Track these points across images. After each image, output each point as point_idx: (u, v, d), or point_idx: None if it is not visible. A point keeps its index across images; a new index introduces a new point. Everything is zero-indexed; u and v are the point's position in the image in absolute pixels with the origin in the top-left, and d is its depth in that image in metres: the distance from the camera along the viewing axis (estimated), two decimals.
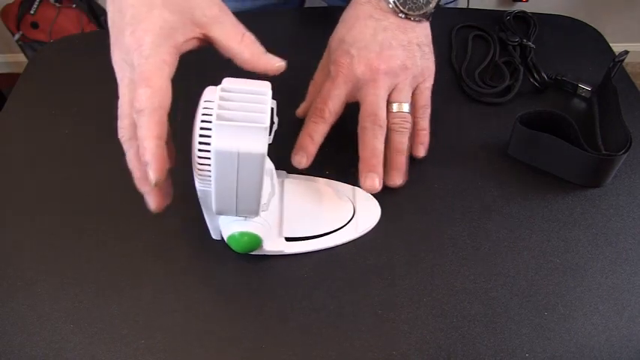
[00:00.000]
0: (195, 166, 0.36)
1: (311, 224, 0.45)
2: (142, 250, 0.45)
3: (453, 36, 0.63)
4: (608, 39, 0.63)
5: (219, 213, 0.39)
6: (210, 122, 0.33)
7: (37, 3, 1.50)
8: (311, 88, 0.52)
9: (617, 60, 0.52)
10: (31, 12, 1.50)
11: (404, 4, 0.48)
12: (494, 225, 0.46)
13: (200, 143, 0.34)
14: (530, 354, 0.39)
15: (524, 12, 0.64)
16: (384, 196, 0.48)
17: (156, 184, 0.35)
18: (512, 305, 0.41)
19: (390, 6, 0.48)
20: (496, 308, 0.41)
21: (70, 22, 1.51)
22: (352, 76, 0.47)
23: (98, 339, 0.40)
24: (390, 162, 0.47)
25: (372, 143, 0.46)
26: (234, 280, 0.43)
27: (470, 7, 0.72)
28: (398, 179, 0.47)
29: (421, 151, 0.49)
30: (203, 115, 0.34)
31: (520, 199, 0.48)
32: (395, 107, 0.48)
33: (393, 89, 0.48)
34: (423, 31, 0.50)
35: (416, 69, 0.49)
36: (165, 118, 0.35)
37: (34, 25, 1.51)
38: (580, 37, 0.63)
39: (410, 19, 0.48)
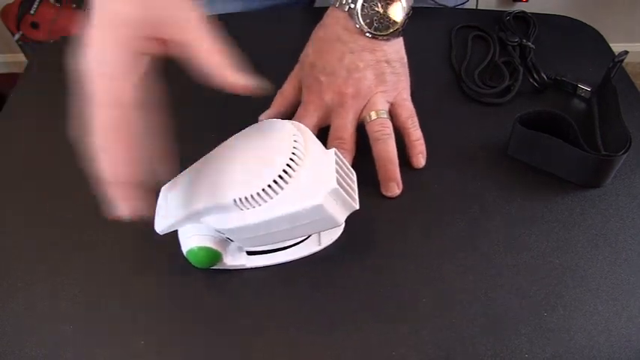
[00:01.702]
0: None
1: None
2: (142, 250, 0.45)
3: (452, 36, 0.63)
4: (608, 39, 0.63)
5: (225, 232, 0.39)
6: (296, 164, 0.36)
7: (37, 3, 1.50)
8: (278, 98, 0.52)
9: (616, 60, 0.52)
10: (31, 12, 1.50)
11: (370, 25, 0.48)
12: (493, 225, 0.46)
13: (279, 177, 0.36)
14: (529, 354, 0.39)
15: (523, 12, 0.64)
16: (383, 195, 0.48)
17: None
18: (512, 305, 0.41)
19: (357, 26, 0.48)
20: (495, 308, 0.41)
21: (70, 22, 1.51)
22: (322, 103, 0.49)
23: (98, 339, 0.40)
24: (381, 173, 0.48)
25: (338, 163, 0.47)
26: (235, 280, 0.43)
27: (473, 7, 0.71)
28: (395, 189, 0.48)
29: (421, 161, 0.50)
30: (292, 154, 0.37)
31: (520, 199, 0.48)
32: (373, 115, 0.48)
33: (364, 107, 0.49)
34: (392, 48, 0.50)
35: (386, 85, 0.49)
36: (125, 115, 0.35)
37: (34, 25, 1.51)
38: (580, 38, 0.63)
39: (377, 38, 0.49)
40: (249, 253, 0.44)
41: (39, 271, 0.44)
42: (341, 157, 0.39)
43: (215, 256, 0.41)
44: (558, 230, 0.45)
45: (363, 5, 0.48)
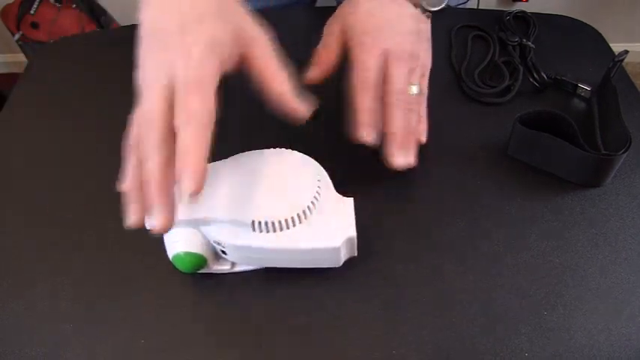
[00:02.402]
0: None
1: None
2: (142, 250, 0.45)
3: (452, 36, 0.63)
4: (608, 39, 0.63)
5: (228, 247, 0.40)
6: (315, 204, 0.40)
7: (37, 3, 1.50)
8: (322, 53, 0.49)
9: (616, 60, 0.52)
10: (31, 12, 1.50)
11: None
12: (493, 225, 0.46)
13: (302, 212, 0.39)
14: (529, 353, 0.39)
15: (523, 12, 0.64)
16: (383, 195, 0.48)
17: (189, 201, 0.33)
18: (512, 305, 0.41)
19: None
20: (495, 308, 0.41)
21: (70, 22, 1.51)
22: (381, 49, 0.45)
23: (98, 339, 0.40)
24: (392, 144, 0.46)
25: (402, 121, 0.45)
26: (235, 280, 0.43)
27: (473, 7, 0.71)
28: (408, 157, 0.45)
29: (422, 137, 0.49)
30: (317, 193, 0.40)
31: (519, 199, 0.48)
32: (414, 89, 0.47)
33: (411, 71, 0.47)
34: (428, 28, 0.50)
35: (426, 59, 0.49)
36: (210, 135, 0.34)
37: (34, 25, 1.51)
38: (580, 37, 0.63)
39: (424, 13, 0.50)
40: None
41: (39, 271, 0.44)
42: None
43: (201, 261, 0.41)
44: (558, 230, 0.45)
45: None
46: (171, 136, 0.34)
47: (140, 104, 0.35)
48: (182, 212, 0.40)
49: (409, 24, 0.48)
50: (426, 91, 0.50)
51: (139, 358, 0.39)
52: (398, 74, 0.45)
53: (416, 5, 0.50)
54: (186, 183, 0.32)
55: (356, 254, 0.42)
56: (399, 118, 0.45)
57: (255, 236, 0.39)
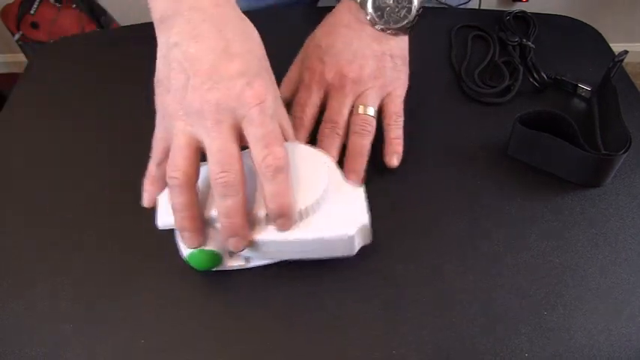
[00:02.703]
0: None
1: None
2: (142, 250, 0.45)
3: (452, 36, 0.63)
4: (608, 39, 0.63)
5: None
6: (327, 192, 0.40)
7: (37, 3, 1.50)
8: (285, 82, 0.52)
9: (616, 60, 0.52)
10: (31, 12, 1.50)
11: (380, 17, 0.49)
12: (493, 225, 0.46)
13: (316, 201, 0.39)
14: (529, 354, 0.39)
15: (523, 12, 0.64)
16: (384, 195, 0.48)
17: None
18: (512, 305, 0.41)
19: (368, 17, 0.49)
20: (495, 308, 0.41)
21: (70, 22, 1.51)
22: (324, 82, 0.49)
23: (98, 339, 0.40)
24: (348, 163, 0.48)
25: (328, 150, 0.47)
26: (235, 280, 0.43)
27: (475, 7, 0.72)
28: (353, 182, 0.47)
29: (394, 161, 0.48)
30: (327, 183, 0.40)
31: (519, 199, 0.48)
32: (360, 109, 0.49)
33: (359, 95, 0.49)
34: (398, 44, 0.51)
35: (385, 79, 0.50)
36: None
37: (34, 25, 1.51)
38: (580, 37, 0.63)
39: (386, 31, 0.50)
40: None
41: (39, 271, 0.44)
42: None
43: (216, 258, 0.41)
44: (558, 230, 0.45)
45: None
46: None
47: (210, 141, 0.36)
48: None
49: (360, 49, 0.49)
50: (397, 110, 0.50)
51: (138, 358, 0.39)
52: (331, 104, 0.49)
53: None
54: (283, 227, 0.38)
55: (370, 241, 0.42)
56: (329, 146, 0.47)
57: (270, 230, 0.39)
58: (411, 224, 0.46)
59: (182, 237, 0.39)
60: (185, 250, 0.41)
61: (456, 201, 0.48)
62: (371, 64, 0.49)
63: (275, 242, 0.40)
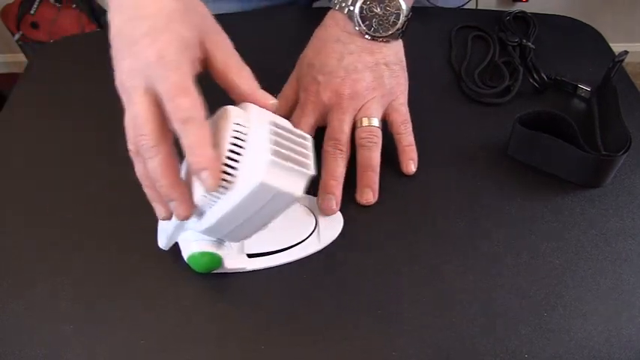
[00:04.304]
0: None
1: (272, 239, 0.44)
2: (142, 251, 0.45)
3: (452, 36, 0.63)
4: (608, 39, 0.63)
5: (206, 232, 0.38)
6: (241, 147, 0.34)
7: (37, 3, 1.50)
8: (280, 101, 0.51)
9: (616, 60, 0.52)
10: (31, 12, 1.50)
11: (369, 27, 0.49)
12: (493, 225, 0.46)
13: (226, 165, 0.34)
14: (529, 354, 0.39)
15: (523, 12, 0.64)
16: (384, 195, 0.48)
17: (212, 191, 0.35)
18: (512, 305, 0.41)
19: (357, 28, 0.49)
20: (496, 308, 0.41)
21: (70, 22, 1.51)
22: (319, 102, 0.49)
23: (98, 339, 0.40)
24: (359, 179, 0.48)
25: (332, 167, 0.47)
26: (234, 280, 0.43)
27: (472, 7, 0.72)
28: (368, 196, 0.47)
29: (411, 168, 0.49)
30: (234, 137, 0.34)
31: (519, 199, 0.48)
32: (364, 122, 0.48)
33: (360, 109, 0.49)
34: (391, 50, 0.50)
35: (384, 89, 0.49)
36: (209, 129, 0.35)
37: (34, 25, 1.51)
38: (580, 38, 0.63)
39: (377, 40, 0.49)
40: (250, 255, 0.44)
41: (39, 271, 0.44)
42: (285, 124, 0.37)
43: (216, 260, 0.41)
44: (558, 230, 0.45)
45: (362, 7, 0.48)
46: (164, 133, 0.35)
47: (127, 110, 0.36)
48: (167, 223, 0.40)
49: (353, 63, 0.49)
50: (404, 118, 0.50)
51: (138, 358, 0.39)
52: (331, 123, 0.49)
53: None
54: (208, 182, 0.34)
55: (312, 173, 0.35)
56: (327, 166, 0.47)
57: (213, 211, 0.36)
58: (411, 224, 0.46)
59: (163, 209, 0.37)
60: (185, 253, 0.41)
61: (456, 201, 0.48)
62: (366, 76, 0.49)
63: (218, 224, 0.36)
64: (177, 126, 0.34)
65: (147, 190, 0.38)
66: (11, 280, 0.44)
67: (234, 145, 0.34)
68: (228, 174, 0.34)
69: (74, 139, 0.54)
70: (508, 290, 0.42)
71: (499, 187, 0.49)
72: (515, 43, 0.59)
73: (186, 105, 0.34)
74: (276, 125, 0.36)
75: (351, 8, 0.48)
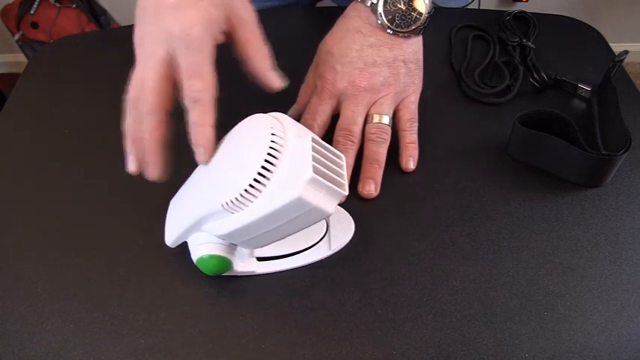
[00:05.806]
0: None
1: (283, 243, 0.43)
2: (142, 250, 0.45)
3: (452, 36, 0.63)
4: (608, 39, 0.63)
5: (224, 236, 0.38)
6: (275, 158, 0.34)
7: (37, 3, 1.50)
8: (302, 90, 0.53)
9: (616, 60, 0.52)
10: (31, 12, 1.50)
11: (392, 21, 0.49)
12: (493, 225, 0.46)
13: (259, 174, 0.34)
14: (529, 354, 0.39)
15: (524, 12, 0.64)
16: (383, 195, 0.48)
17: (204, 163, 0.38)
18: (512, 305, 0.41)
19: (379, 22, 0.49)
20: (496, 308, 0.41)
21: (70, 22, 1.51)
22: (336, 90, 0.49)
23: (98, 339, 0.40)
24: (364, 170, 0.48)
25: (348, 158, 0.47)
26: (234, 280, 0.43)
27: (474, 7, 0.72)
28: (370, 187, 0.47)
29: (410, 165, 0.49)
30: (271, 148, 0.34)
31: (520, 198, 0.48)
32: (375, 118, 0.49)
33: (373, 104, 0.49)
34: (410, 47, 0.50)
35: (398, 86, 0.50)
36: (213, 111, 0.38)
37: (34, 25, 1.51)
38: (580, 37, 0.63)
39: (398, 35, 0.49)
40: (259, 259, 0.44)
41: (39, 271, 0.44)
42: (322, 142, 0.37)
43: (225, 263, 0.40)
44: (558, 230, 0.45)
45: (385, 1, 0.48)
46: (165, 101, 0.38)
47: (139, 67, 0.38)
48: (180, 221, 0.40)
49: (372, 56, 0.49)
50: (411, 116, 0.50)
51: (138, 358, 0.39)
52: (345, 113, 0.49)
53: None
54: (201, 157, 0.38)
55: (345, 193, 0.36)
56: (343, 153, 0.46)
57: (237, 218, 0.36)
58: (411, 224, 0.46)
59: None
60: (194, 254, 0.40)
61: (456, 201, 0.48)
62: (383, 71, 0.49)
63: (240, 231, 0.36)
64: (186, 101, 0.37)
65: (128, 142, 0.39)
66: (11, 280, 0.44)
67: (270, 155, 0.34)
68: (260, 182, 0.34)
69: (74, 139, 0.54)
70: (508, 290, 0.42)
71: (499, 186, 0.49)
72: (516, 43, 0.59)
73: (198, 87, 0.37)
74: (316, 142, 0.36)
75: (374, 1, 0.49)
